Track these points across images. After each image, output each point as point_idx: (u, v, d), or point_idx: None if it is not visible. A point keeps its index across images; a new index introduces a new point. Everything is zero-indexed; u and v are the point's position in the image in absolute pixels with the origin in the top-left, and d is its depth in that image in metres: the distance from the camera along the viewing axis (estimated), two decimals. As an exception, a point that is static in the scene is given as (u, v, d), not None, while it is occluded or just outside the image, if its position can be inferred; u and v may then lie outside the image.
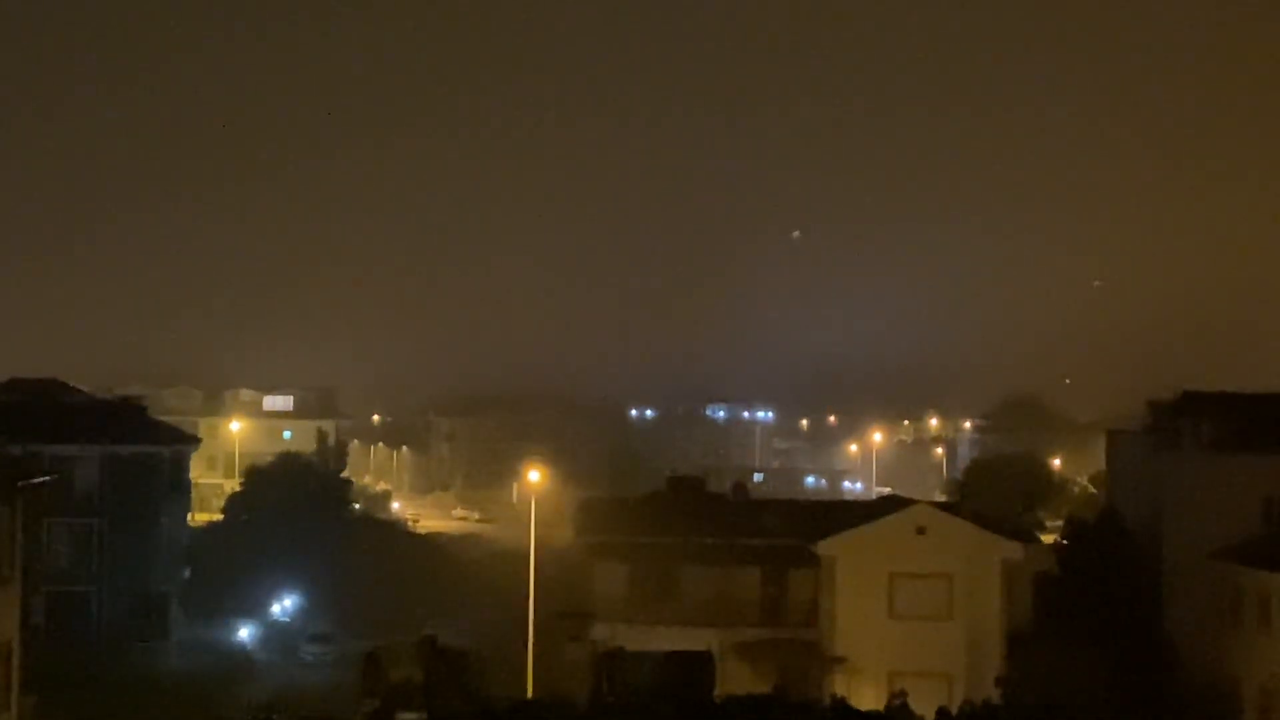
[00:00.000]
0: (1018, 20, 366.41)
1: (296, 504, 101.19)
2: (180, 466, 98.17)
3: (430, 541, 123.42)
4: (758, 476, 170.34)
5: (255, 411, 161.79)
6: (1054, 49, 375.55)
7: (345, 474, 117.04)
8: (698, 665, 63.04)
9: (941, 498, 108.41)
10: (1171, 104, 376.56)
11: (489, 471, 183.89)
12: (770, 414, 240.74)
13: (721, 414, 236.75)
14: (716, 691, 60.17)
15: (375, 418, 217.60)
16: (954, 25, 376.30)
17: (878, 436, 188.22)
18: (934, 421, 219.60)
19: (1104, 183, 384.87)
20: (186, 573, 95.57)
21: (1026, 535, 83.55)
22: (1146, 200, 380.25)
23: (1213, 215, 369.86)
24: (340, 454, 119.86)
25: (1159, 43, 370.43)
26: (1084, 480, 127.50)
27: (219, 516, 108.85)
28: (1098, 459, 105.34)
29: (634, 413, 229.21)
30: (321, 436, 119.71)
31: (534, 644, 67.91)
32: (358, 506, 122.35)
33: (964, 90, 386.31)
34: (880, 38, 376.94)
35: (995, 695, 59.35)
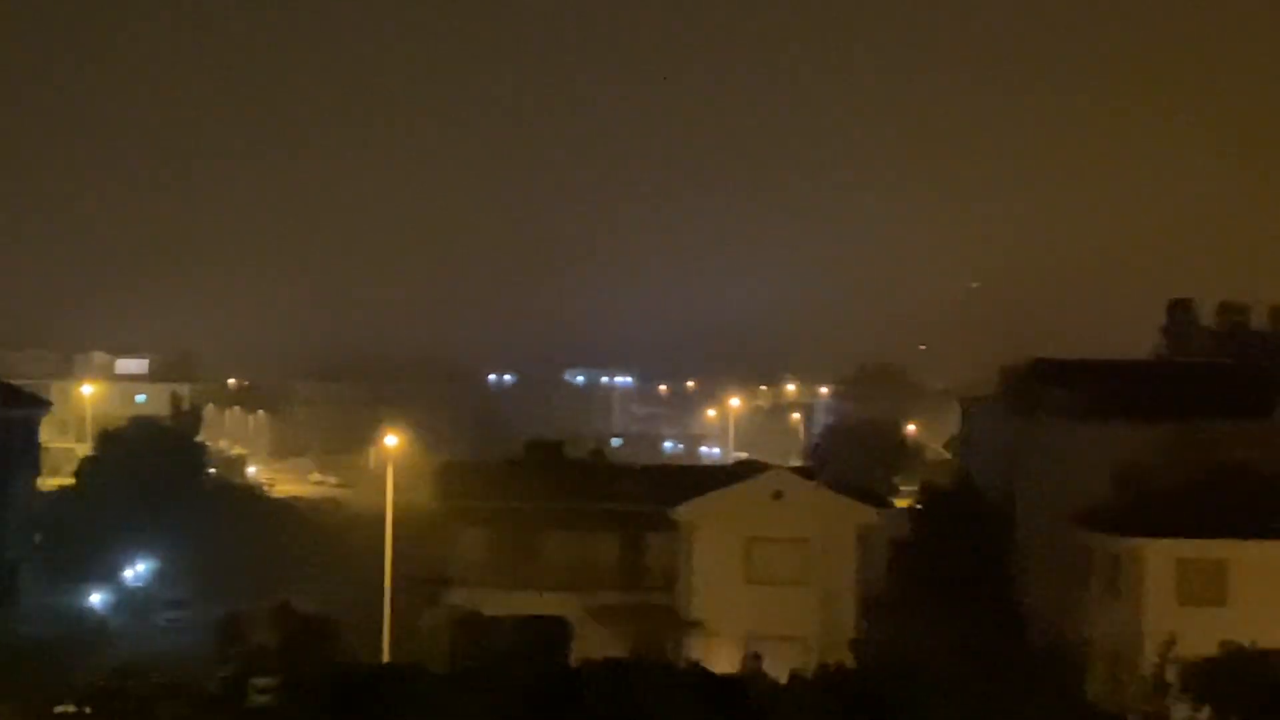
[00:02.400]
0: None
1: (150, 468, 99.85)
2: (31, 430, 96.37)
3: (287, 506, 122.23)
4: (616, 441, 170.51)
5: (109, 375, 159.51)
6: (937, 25, 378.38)
7: (200, 438, 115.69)
8: (554, 630, 62.90)
9: (798, 463, 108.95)
10: (1036, 80, 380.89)
11: (347, 436, 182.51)
12: (630, 379, 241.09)
13: (581, 379, 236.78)
14: (573, 655, 60.06)
15: (233, 382, 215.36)
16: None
17: (736, 402, 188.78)
18: (791, 387, 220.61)
19: (964, 153, 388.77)
20: (37, 539, 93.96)
21: (882, 501, 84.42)
22: (1004, 171, 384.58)
23: (1066, 186, 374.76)
24: (195, 418, 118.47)
25: (1030, 31, 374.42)
26: (939, 446, 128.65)
27: (71, 481, 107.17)
28: (952, 425, 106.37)
29: (493, 378, 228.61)
30: (176, 400, 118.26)
31: (391, 609, 67.48)
32: (213, 471, 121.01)
33: (828, 54, 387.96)
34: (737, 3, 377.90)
35: (849, 658, 59.69)
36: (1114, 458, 69.35)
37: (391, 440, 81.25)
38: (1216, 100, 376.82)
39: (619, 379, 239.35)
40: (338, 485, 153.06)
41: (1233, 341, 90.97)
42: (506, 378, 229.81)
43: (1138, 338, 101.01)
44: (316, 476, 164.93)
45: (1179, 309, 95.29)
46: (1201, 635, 54.14)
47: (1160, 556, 62.25)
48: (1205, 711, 48.64)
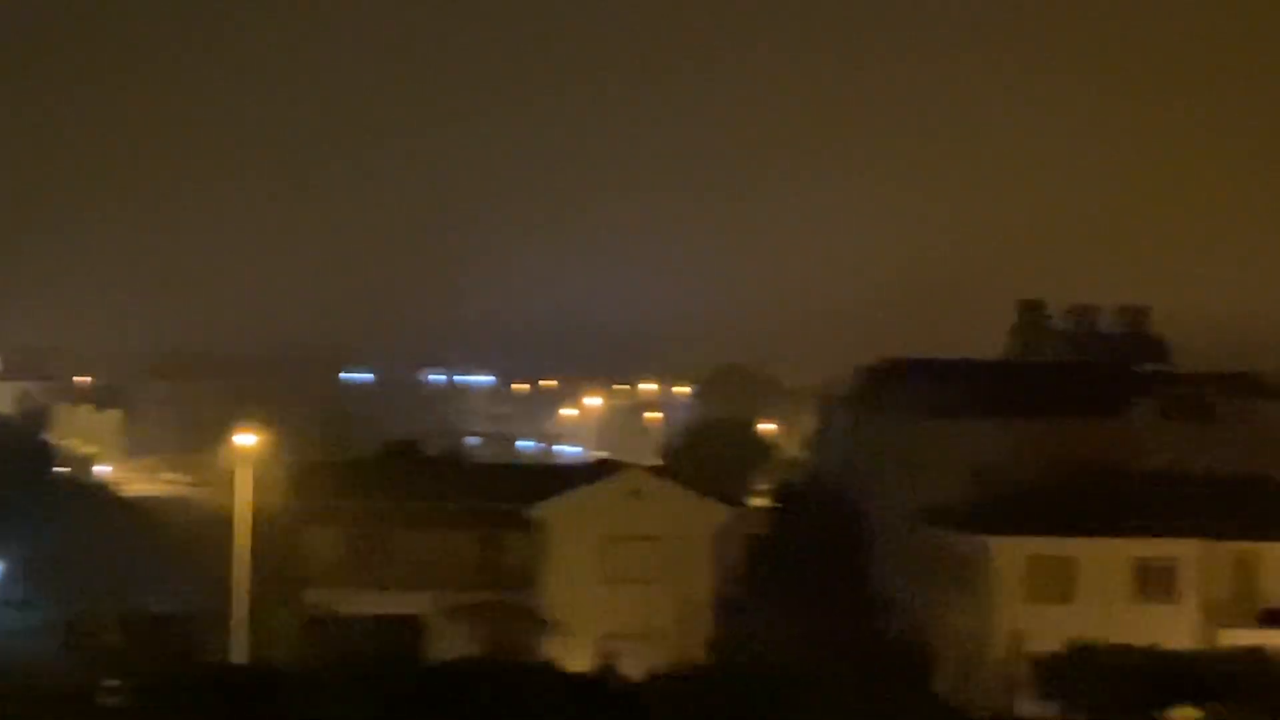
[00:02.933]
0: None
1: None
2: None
3: (138, 506, 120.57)
4: (474, 440, 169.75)
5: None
6: (778, 16, 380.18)
7: (49, 437, 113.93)
8: (410, 629, 62.66)
9: (656, 462, 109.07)
10: (890, 79, 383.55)
11: (201, 435, 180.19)
12: (488, 378, 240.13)
13: (439, 378, 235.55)
14: (429, 655, 59.86)
15: (84, 379, 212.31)
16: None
17: (594, 401, 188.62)
18: (650, 387, 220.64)
19: (819, 153, 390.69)
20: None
21: (738, 499, 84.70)
22: (859, 171, 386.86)
23: (922, 187, 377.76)
24: (44, 416, 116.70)
25: (878, 25, 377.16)
26: (795, 445, 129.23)
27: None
28: (809, 424, 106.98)
29: (350, 376, 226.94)
30: (23, 398, 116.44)
31: (243, 610, 66.81)
32: (62, 470, 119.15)
33: (664, 51, 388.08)
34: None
35: (706, 656, 59.94)
36: (966, 455, 70.20)
37: (245, 439, 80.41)
38: (1068, 100, 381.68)
39: (477, 378, 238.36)
40: (190, 484, 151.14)
41: (1082, 342, 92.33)
42: (364, 376, 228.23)
43: (992, 338, 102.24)
44: (169, 475, 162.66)
45: (1030, 310, 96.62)
46: (1049, 631, 55.02)
47: (1010, 554, 62.98)
48: (1051, 706, 49.30)
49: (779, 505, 77.67)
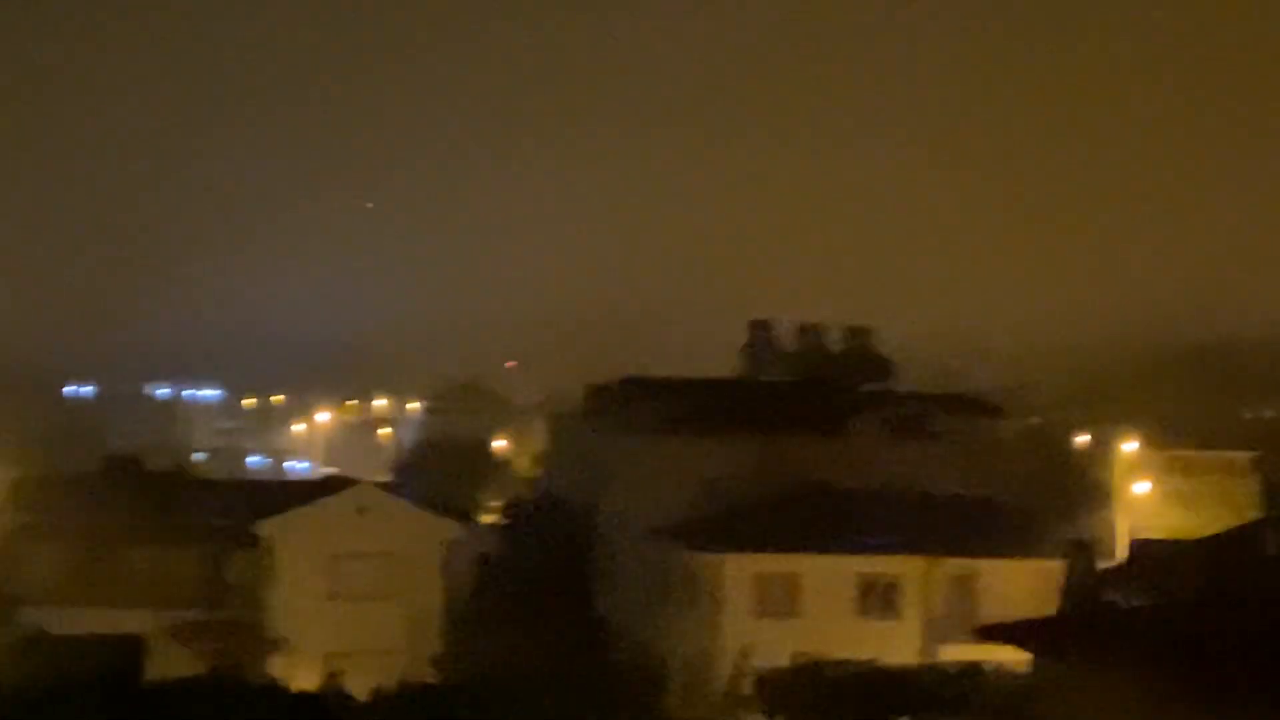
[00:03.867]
0: None
1: None
2: None
3: None
4: (200, 456, 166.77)
5: None
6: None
7: None
8: (129, 649, 61.24)
9: (386, 478, 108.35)
10: (620, 113, 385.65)
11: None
12: (215, 392, 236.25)
13: (164, 392, 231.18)
14: (148, 675, 58.54)
15: None
16: None
17: (324, 417, 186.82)
18: (381, 403, 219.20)
19: (554, 168, 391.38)
20: None
21: (469, 516, 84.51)
22: (592, 188, 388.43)
23: (654, 205, 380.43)
24: None
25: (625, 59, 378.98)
26: (526, 461, 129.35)
27: None
28: (541, 441, 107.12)
29: (71, 389, 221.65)
30: None
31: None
32: None
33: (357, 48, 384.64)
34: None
35: (432, 674, 59.59)
36: (695, 472, 70.72)
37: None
38: (796, 116, 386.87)
39: (204, 392, 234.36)
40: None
41: (809, 360, 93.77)
42: (85, 389, 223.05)
43: (725, 357, 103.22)
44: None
45: (759, 329, 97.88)
46: (776, 648, 55.61)
47: (736, 571, 63.64)
48: (775, 718, 49.89)
49: (509, 522, 77.66)
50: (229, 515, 68.64)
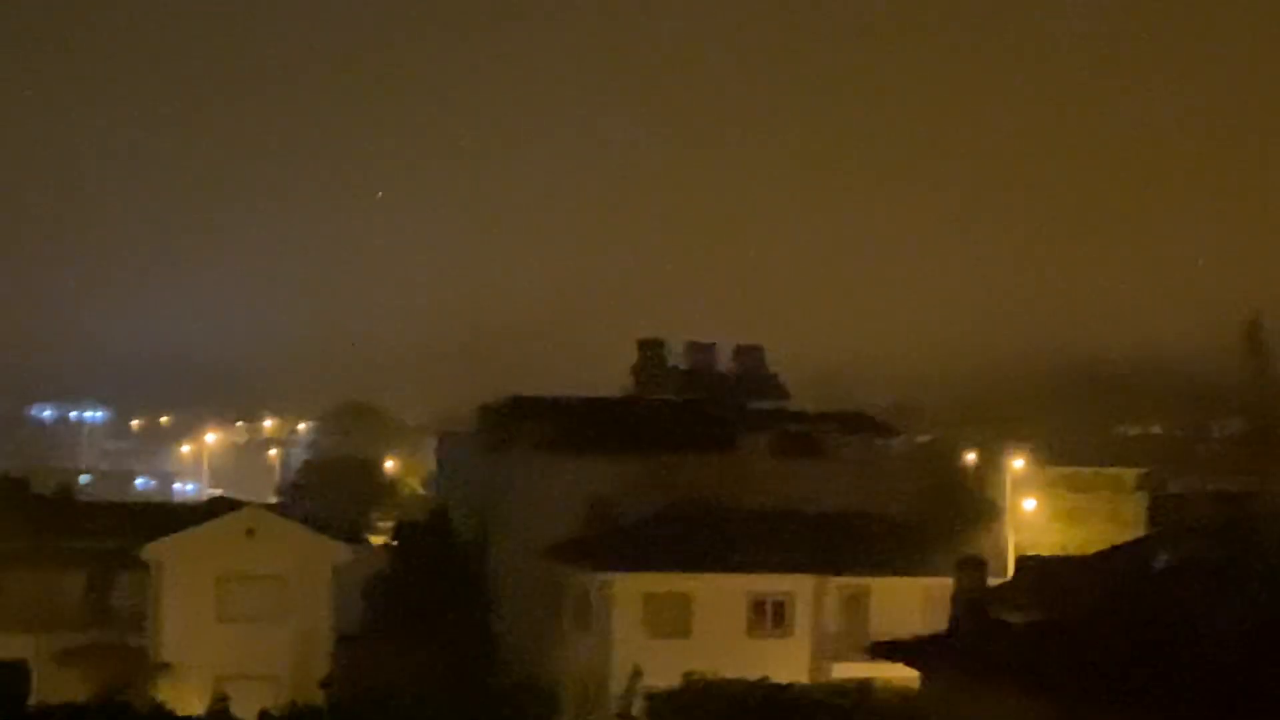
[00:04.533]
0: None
1: None
2: None
3: None
4: (85, 478, 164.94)
5: None
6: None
7: None
8: (12, 674, 60.37)
9: (274, 500, 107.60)
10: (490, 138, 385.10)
11: None
12: (101, 414, 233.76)
13: (48, 413, 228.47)
14: (32, 701, 57.72)
15: None
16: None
17: (212, 438, 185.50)
18: (270, 424, 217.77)
19: (445, 191, 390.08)
20: None
21: (359, 537, 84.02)
22: (483, 208, 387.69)
23: (549, 224, 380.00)
24: None
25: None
26: (415, 482, 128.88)
27: None
28: (431, 461, 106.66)
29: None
30: None
31: None
32: None
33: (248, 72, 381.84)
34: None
35: (320, 696, 59.11)
36: (585, 491, 70.65)
37: None
38: (682, 143, 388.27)
39: (90, 414, 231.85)
40: None
41: (699, 379, 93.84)
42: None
43: (615, 375, 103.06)
44: None
45: (649, 348, 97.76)
46: (667, 667, 55.54)
47: (627, 590, 63.57)
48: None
49: (400, 542, 77.18)
50: (116, 538, 67.81)
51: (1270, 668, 28.64)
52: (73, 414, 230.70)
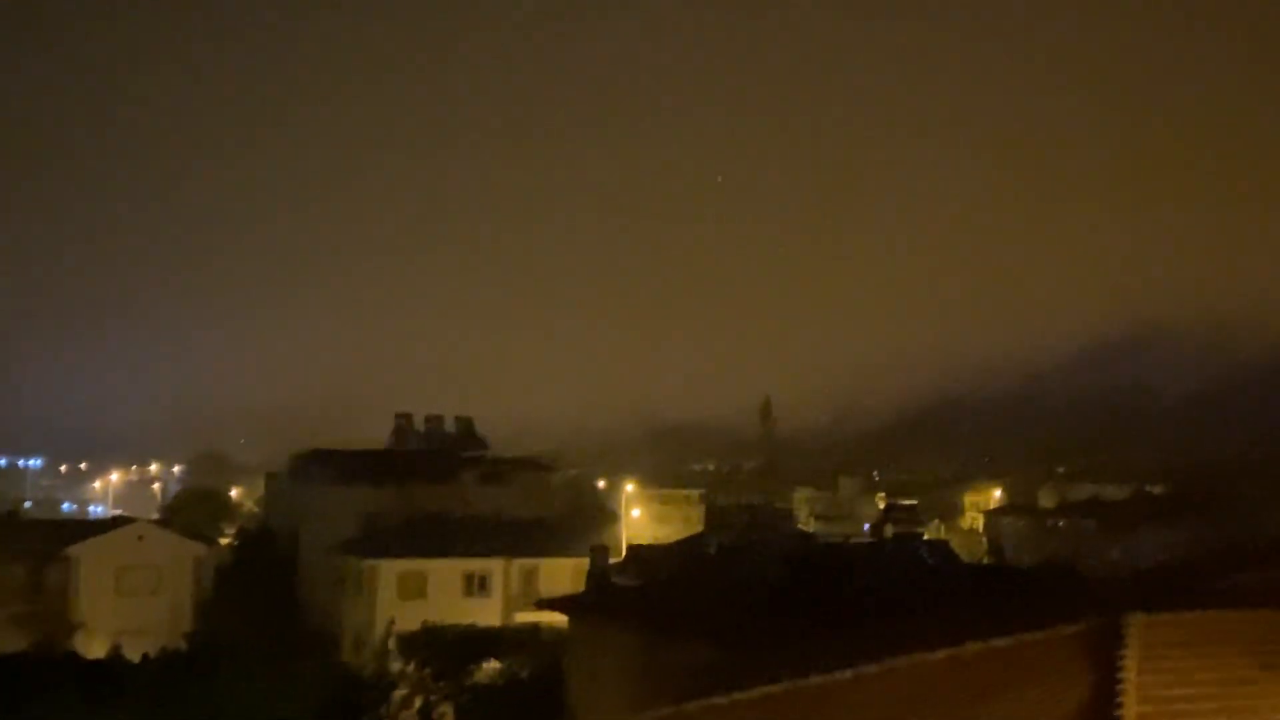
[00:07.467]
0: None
1: None
2: None
3: None
4: (28, 504, 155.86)
5: None
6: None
7: None
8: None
9: (156, 517, 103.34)
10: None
11: None
12: (38, 460, 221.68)
13: (2, 461, 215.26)
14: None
15: None
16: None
17: (115, 476, 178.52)
18: (154, 466, 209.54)
19: (282, 268, 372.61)
20: None
21: (211, 540, 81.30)
22: (286, 295, 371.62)
23: (333, 329, 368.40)
24: None
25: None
26: (250, 504, 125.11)
27: None
28: (260, 490, 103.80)
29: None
30: None
31: None
32: None
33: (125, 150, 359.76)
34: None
35: (184, 644, 56.87)
36: (358, 509, 69.92)
37: None
38: (431, 246, 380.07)
39: (30, 461, 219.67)
40: None
41: (433, 438, 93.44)
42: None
43: (379, 434, 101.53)
44: None
45: (402, 418, 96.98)
46: (411, 618, 54.83)
47: (387, 570, 62.70)
48: (410, 664, 49.25)
49: (239, 544, 75.10)
50: (49, 543, 64.93)
51: (775, 610, 29.68)
52: (20, 461, 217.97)
